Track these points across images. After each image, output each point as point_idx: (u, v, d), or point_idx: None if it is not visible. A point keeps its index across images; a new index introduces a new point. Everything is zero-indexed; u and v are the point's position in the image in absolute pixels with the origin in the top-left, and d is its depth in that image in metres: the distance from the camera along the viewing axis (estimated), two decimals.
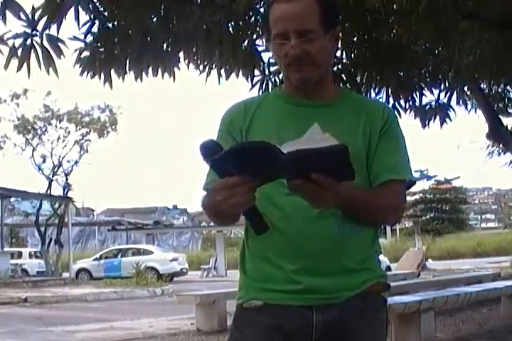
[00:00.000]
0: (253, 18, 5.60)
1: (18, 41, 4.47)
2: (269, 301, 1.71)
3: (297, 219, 1.68)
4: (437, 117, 7.08)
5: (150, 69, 5.16)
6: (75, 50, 4.97)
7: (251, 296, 1.74)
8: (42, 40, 4.48)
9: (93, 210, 45.23)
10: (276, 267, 1.70)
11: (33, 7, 4.41)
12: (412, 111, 7.02)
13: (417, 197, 49.95)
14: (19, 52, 4.44)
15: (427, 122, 7.08)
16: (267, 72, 6.07)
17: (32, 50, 4.44)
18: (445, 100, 7.18)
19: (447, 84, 7.15)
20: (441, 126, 7.10)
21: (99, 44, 4.97)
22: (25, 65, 4.45)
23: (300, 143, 1.51)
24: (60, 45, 4.52)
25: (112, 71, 5.04)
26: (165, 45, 5.12)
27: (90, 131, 25.11)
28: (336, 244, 1.69)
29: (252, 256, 1.77)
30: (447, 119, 7.10)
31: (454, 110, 7.19)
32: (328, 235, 1.69)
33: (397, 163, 1.79)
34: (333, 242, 1.69)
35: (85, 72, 5.01)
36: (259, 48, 5.78)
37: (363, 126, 1.78)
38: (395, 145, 1.81)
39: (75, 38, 4.92)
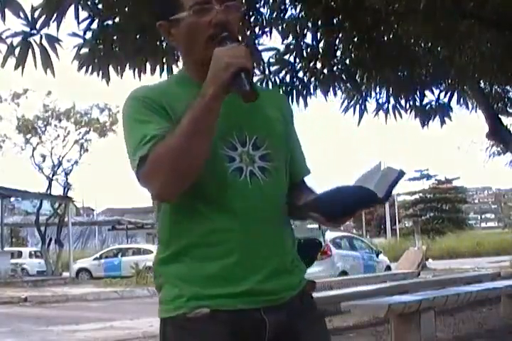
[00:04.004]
0: (253, 18, 5.61)
1: (17, 40, 4.48)
2: (217, 307, 1.57)
3: (246, 217, 1.60)
4: (437, 117, 7.09)
5: (148, 67, 5.16)
6: (74, 47, 4.98)
7: (196, 304, 1.57)
8: (41, 39, 4.48)
9: (93, 210, 45.22)
10: (220, 269, 1.58)
11: (32, 6, 4.42)
12: (413, 111, 7.02)
13: (417, 196, 49.96)
14: (17, 50, 4.45)
15: (426, 122, 7.08)
16: (266, 72, 6.08)
17: (30, 49, 4.45)
18: (445, 100, 7.19)
19: (447, 84, 7.15)
20: (441, 125, 7.11)
21: (98, 41, 4.97)
22: (21, 65, 4.46)
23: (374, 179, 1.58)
24: (58, 44, 4.52)
25: (111, 68, 5.04)
26: (163, 43, 5.12)
27: (90, 130, 25.13)
28: (279, 243, 1.66)
29: (188, 258, 1.60)
30: (447, 119, 7.10)
31: (453, 110, 7.20)
32: (274, 235, 1.64)
33: (304, 157, 1.81)
34: (278, 242, 1.65)
35: (83, 68, 5.01)
36: (259, 47, 5.80)
37: (280, 113, 1.74)
38: (298, 137, 1.82)
39: (74, 35, 4.92)
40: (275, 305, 1.61)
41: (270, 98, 1.76)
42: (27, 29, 4.48)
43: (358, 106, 6.83)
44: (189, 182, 1.53)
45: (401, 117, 6.94)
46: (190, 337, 1.59)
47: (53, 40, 4.48)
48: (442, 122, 7.08)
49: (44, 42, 4.47)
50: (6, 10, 4.26)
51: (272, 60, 6.15)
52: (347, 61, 6.49)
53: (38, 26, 4.45)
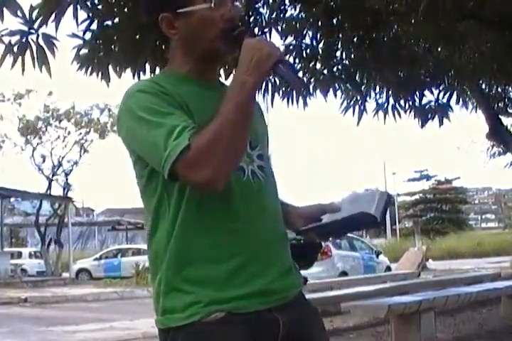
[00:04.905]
0: (253, 18, 5.61)
1: (15, 39, 4.48)
2: (232, 310, 1.55)
3: (251, 217, 1.61)
4: (436, 117, 7.08)
5: (148, 67, 5.16)
6: (74, 47, 4.97)
7: (213, 309, 1.54)
8: (38, 39, 4.48)
9: (93, 210, 45.20)
10: (230, 271, 1.56)
11: (31, 6, 4.41)
12: (412, 112, 7.02)
13: (417, 197, 49.97)
14: (15, 49, 4.45)
15: (425, 122, 7.08)
16: None
17: (27, 48, 4.45)
18: (445, 100, 7.18)
19: (447, 84, 7.14)
20: (439, 125, 7.10)
21: (97, 41, 4.97)
22: (21, 64, 4.46)
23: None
24: (55, 43, 4.52)
25: (111, 69, 5.04)
26: (163, 43, 5.11)
27: (90, 130, 25.13)
28: (283, 242, 1.69)
29: (199, 261, 1.57)
30: (446, 119, 7.10)
31: (453, 110, 7.20)
32: (277, 233, 1.67)
33: None
34: (281, 240, 1.68)
35: (83, 69, 5.01)
36: None
37: (260, 116, 1.79)
38: None
39: (74, 35, 4.92)
40: (283, 304, 1.62)
41: None
42: (25, 28, 4.48)
43: (357, 107, 6.83)
44: (235, 167, 1.55)
45: (400, 117, 6.94)
46: (207, 339, 1.56)
47: (50, 39, 4.48)
48: (441, 123, 7.08)
49: (41, 41, 4.47)
50: (5, 9, 4.25)
51: None
52: (347, 61, 6.48)
53: (36, 26, 4.45)
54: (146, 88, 1.58)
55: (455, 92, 7.27)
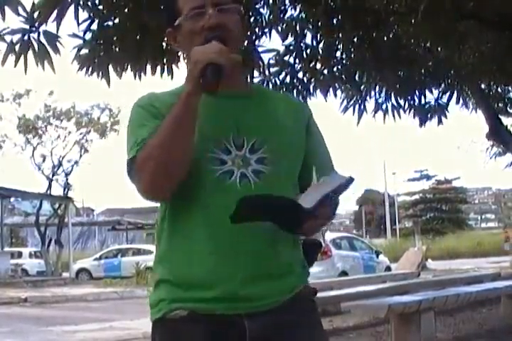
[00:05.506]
0: (253, 19, 5.61)
1: (16, 37, 4.49)
2: (195, 310, 1.58)
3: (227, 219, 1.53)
4: (435, 117, 7.09)
5: (149, 67, 5.16)
6: (74, 47, 4.98)
7: (174, 307, 1.60)
8: (39, 36, 4.49)
9: (93, 210, 45.21)
10: (202, 271, 1.58)
11: (32, 4, 4.42)
12: (412, 111, 7.02)
13: (417, 197, 50.02)
14: (17, 48, 4.46)
15: (425, 122, 7.09)
16: (266, 73, 6.08)
17: (30, 46, 4.46)
18: (445, 100, 7.19)
19: (447, 84, 7.15)
20: (437, 124, 7.11)
21: (97, 41, 4.98)
22: (23, 62, 4.47)
23: (317, 191, 1.53)
24: (58, 40, 4.53)
25: (111, 69, 5.04)
26: (163, 43, 5.12)
27: (90, 130, 25.12)
28: (265, 246, 1.60)
29: (170, 261, 1.64)
30: (444, 119, 7.11)
31: (449, 110, 7.21)
32: (259, 238, 1.58)
33: (328, 159, 1.78)
34: (263, 245, 1.59)
35: (83, 69, 5.02)
36: (259, 49, 5.79)
37: (293, 119, 1.72)
38: (321, 139, 1.80)
39: (74, 35, 4.93)
40: (261, 311, 1.58)
41: (285, 104, 1.77)
42: (26, 26, 4.49)
43: (357, 106, 6.84)
44: (174, 179, 1.56)
45: (400, 117, 6.94)
46: (170, 336, 1.63)
47: (52, 37, 4.49)
48: (439, 122, 7.09)
49: (42, 38, 4.48)
50: (6, 8, 4.26)
51: (271, 62, 6.16)
52: (347, 61, 6.49)
53: (37, 24, 4.46)
54: (142, 102, 1.69)
55: (455, 92, 7.27)
